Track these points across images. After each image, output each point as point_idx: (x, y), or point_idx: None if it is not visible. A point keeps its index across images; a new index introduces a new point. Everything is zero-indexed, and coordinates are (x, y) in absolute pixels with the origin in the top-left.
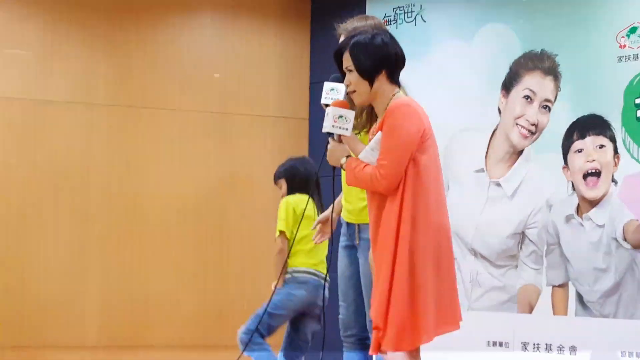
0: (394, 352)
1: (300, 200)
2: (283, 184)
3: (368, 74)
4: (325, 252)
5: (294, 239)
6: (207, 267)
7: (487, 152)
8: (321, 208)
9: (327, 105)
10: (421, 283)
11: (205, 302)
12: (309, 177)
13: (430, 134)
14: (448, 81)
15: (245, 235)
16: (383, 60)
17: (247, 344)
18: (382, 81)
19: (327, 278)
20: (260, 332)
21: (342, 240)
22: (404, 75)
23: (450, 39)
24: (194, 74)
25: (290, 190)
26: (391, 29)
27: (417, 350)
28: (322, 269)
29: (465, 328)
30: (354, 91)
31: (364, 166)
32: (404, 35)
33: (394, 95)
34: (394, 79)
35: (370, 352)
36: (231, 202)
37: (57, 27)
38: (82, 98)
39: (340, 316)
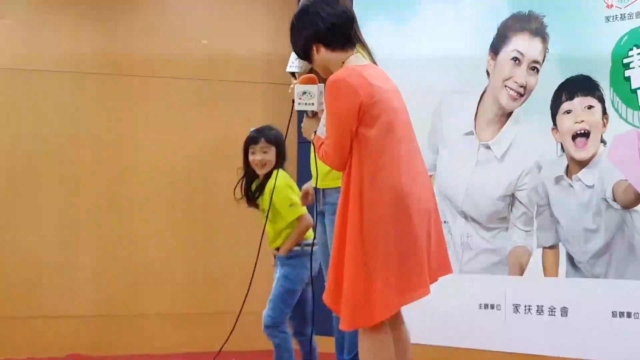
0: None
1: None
2: (272, 151)
3: (302, 55)
4: None
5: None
6: (198, 234)
7: (476, 115)
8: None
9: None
10: (374, 255)
11: (197, 269)
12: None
13: (375, 103)
14: (436, 44)
15: (235, 202)
16: (308, 38)
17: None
18: (322, 54)
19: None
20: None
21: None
22: (393, 39)
23: (437, 1)
24: (182, 41)
25: (278, 162)
26: None
27: (381, 324)
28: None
29: (456, 291)
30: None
31: (321, 143)
32: None
33: (343, 62)
34: (337, 47)
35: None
36: (221, 169)
37: None
38: (70, 67)
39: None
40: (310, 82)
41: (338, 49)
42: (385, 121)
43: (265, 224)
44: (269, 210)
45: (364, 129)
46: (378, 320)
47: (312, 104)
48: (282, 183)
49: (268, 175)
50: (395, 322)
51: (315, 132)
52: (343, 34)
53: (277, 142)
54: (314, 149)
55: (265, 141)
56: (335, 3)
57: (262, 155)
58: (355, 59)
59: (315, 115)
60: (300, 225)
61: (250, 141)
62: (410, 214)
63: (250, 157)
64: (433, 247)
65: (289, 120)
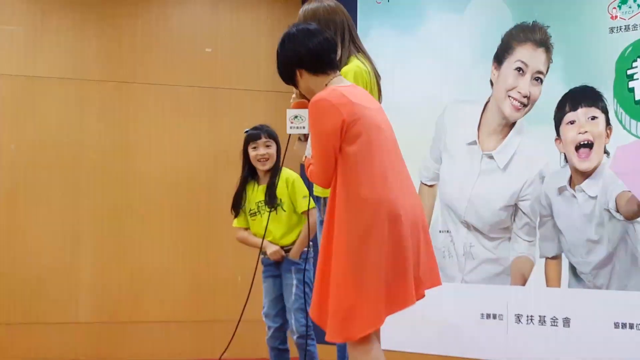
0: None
1: None
2: (273, 146)
3: (287, 80)
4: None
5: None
6: (200, 242)
7: (479, 125)
8: None
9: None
10: (363, 268)
11: (199, 277)
12: None
13: (356, 120)
14: (440, 54)
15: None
16: (291, 63)
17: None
18: (305, 78)
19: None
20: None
21: (318, 216)
22: (398, 48)
23: (442, 11)
24: (186, 48)
25: (278, 159)
26: (382, 2)
27: (368, 335)
28: None
29: (458, 301)
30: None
31: (310, 164)
32: (395, 8)
33: (327, 84)
34: (319, 71)
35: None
36: (223, 177)
37: (47, 2)
38: (73, 74)
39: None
40: (301, 106)
41: (320, 73)
42: (368, 137)
43: (268, 222)
44: (276, 206)
45: (347, 146)
46: (366, 332)
47: (303, 127)
48: (297, 175)
49: (272, 174)
50: (376, 332)
51: (305, 155)
52: (324, 59)
53: (276, 138)
54: (305, 170)
55: (266, 136)
56: (316, 31)
57: (266, 149)
58: (338, 80)
59: (307, 139)
60: (312, 218)
61: (251, 138)
62: (399, 225)
63: (253, 153)
64: (422, 258)
65: (289, 138)
